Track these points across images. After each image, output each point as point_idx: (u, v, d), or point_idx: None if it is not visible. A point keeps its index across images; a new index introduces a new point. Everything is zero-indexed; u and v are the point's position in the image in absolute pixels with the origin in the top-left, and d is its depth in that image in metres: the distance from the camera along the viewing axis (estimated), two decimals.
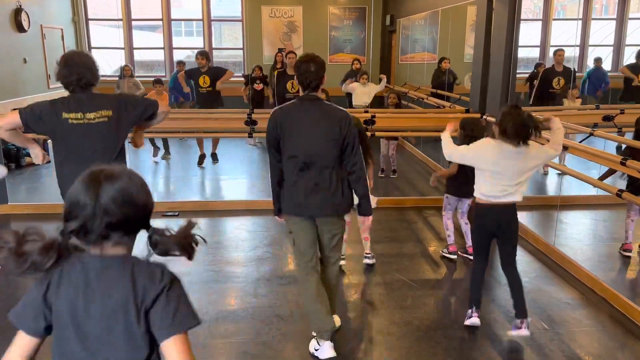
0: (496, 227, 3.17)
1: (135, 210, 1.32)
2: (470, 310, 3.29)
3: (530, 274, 4.17)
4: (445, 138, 3.34)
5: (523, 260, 4.43)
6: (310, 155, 2.84)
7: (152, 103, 3.05)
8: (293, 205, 2.94)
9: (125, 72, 9.31)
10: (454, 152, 3.31)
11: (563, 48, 7.12)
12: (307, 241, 2.97)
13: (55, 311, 1.30)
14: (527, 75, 7.86)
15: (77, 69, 2.83)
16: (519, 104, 3.12)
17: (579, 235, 5.22)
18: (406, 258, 4.45)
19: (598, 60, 7.85)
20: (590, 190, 5.75)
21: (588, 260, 4.35)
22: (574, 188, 6.31)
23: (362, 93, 7.57)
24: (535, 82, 7.32)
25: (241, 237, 4.90)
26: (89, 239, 1.30)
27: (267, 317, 3.44)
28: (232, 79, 7.62)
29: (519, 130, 2.94)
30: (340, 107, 2.95)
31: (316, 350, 3.00)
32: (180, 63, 9.14)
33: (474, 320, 3.27)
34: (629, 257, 4.38)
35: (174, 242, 1.37)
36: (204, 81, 7.28)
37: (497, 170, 3.06)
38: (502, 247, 3.27)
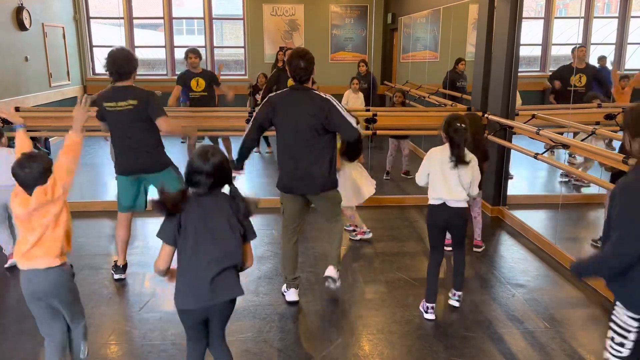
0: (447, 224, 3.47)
1: (226, 174, 2.24)
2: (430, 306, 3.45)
3: (531, 272, 4.17)
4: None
5: (524, 258, 4.43)
6: (298, 134, 3.31)
7: (159, 114, 3.68)
8: (283, 185, 3.46)
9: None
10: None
11: (584, 46, 7.00)
12: (294, 213, 3.54)
13: (184, 229, 2.20)
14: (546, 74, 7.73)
15: (117, 61, 3.69)
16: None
17: (580, 233, 5.22)
18: (407, 256, 4.45)
19: (602, 59, 7.79)
20: (592, 189, 5.75)
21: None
22: (575, 186, 6.31)
23: (353, 101, 7.38)
24: (556, 82, 7.25)
25: None
26: (200, 188, 2.21)
27: (268, 316, 3.45)
28: (232, 77, 7.30)
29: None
30: (324, 94, 3.38)
31: (285, 292, 3.66)
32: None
33: (429, 316, 3.44)
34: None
35: (245, 203, 2.26)
36: (197, 84, 6.47)
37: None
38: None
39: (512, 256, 4.51)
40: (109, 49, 3.82)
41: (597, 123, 5.18)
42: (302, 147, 3.35)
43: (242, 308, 3.52)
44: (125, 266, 4.02)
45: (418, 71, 9.18)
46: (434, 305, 3.44)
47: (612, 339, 2.08)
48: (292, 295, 3.61)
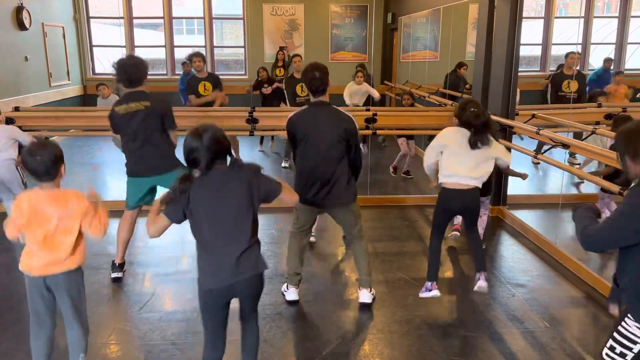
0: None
1: (222, 145, 2.24)
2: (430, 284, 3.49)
3: (531, 272, 4.17)
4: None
5: (524, 258, 4.43)
6: (319, 153, 3.33)
7: (171, 126, 3.86)
8: (305, 199, 3.42)
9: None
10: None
11: (575, 51, 6.99)
12: (308, 220, 3.60)
13: (195, 205, 2.22)
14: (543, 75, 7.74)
15: (127, 69, 3.72)
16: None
17: None
18: (407, 256, 4.45)
19: (608, 61, 7.78)
20: (592, 189, 5.74)
21: (589, 258, 4.35)
22: (575, 186, 6.32)
23: (354, 92, 7.36)
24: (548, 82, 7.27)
25: None
26: (201, 165, 2.21)
27: (268, 315, 3.44)
28: (232, 77, 7.21)
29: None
30: (345, 111, 3.42)
31: (285, 291, 3.66)
32: (186, 64, 8.84)
33: (435, 292, 3.48)
34: None
35: (250, 167, 2.32)
36: (205, 89, 6.45)
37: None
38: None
39: (512, 256, 4.51)
40: (118, 58, 3.83)
41: (597, 123, 5.18)
42: (325, 164, 3.36)
43: None
44: (122, 265, 4.02)
45: (418, 71, 9.18)
46: (435, 282, 3.48)
47: (613, 348, 2.05)
48: (292, 294, 3.62)
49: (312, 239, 4.65)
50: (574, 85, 6.69)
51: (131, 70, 3.73)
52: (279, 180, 2.41)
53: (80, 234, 2.53)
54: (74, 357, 2.61)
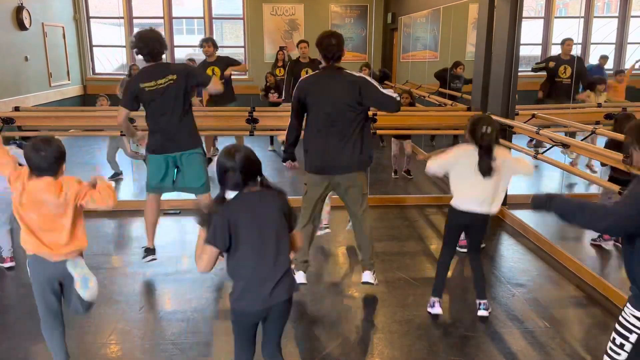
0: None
1: (255, 166, 2.19)
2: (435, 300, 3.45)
3: (531, 272, 4.17)
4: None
5: (524, 258, 4.43)
6: (329, 114, 3.35)
7: (205, 81, 3.95)
8: (312, 165, 3.49)
9: (133, 71, 9.16)
10: (432, 166, 3.27)
11: (572, 38, 7.03)
12: (315, 197, 3.56)
13: (236, 228, 2.13)
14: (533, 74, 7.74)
15: (148, 42, 3.67)
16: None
17: (580, 233, 5.22)
18: (407, 256, 4.45)
19: (603, 58, 7.78)
20: (592, 189, 5.75)
21: (589, 258, 4.35)
22: (575, 186, 6.32)
23: None
24: (550, 63, 7.25)
25: None
26: (234, 187, 2.17)
27: None
28: (233, 76, 7.17)
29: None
30: (356, 73, 3.45)
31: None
32: (191, 60, 8.84)
33: (437, 310, 3.43)
34: (608, 248, 4.51)
35: (279, 190, 2.27)
36: (213, 73, 6.51)
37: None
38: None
39: (512, 256, 4.51)
40: (138, 31, 3.82)
41: (597, 122, 5.18)
42: (334, 126, 3.38)
43: None
44: (154, 249, 4.08)
45: (418, 71, 9.18)
46: (440, 300, 3.44)
47: (613, 339, 2.07)
48: (301, 277, 3.58)
49: (327, 230, 4.73)
50: (569, 70, 6.74)
51: (153, 44, 3.70)
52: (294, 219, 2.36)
53: (79, 220, 2.55)
54: None
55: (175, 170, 3.98)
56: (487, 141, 3.03)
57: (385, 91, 3.43)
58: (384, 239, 4.79)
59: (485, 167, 3.04)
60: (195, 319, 3.39)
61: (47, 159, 2.40)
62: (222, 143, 7.72)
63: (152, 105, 3.77)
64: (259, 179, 2.23)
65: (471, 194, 3.16)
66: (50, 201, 2.44)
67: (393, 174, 6.83)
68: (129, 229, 5.19)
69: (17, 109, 5.75)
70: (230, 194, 2.21)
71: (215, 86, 3.94)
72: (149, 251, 4.08)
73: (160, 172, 3.91)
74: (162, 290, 3.84)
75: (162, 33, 4.09)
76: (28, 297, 3.69)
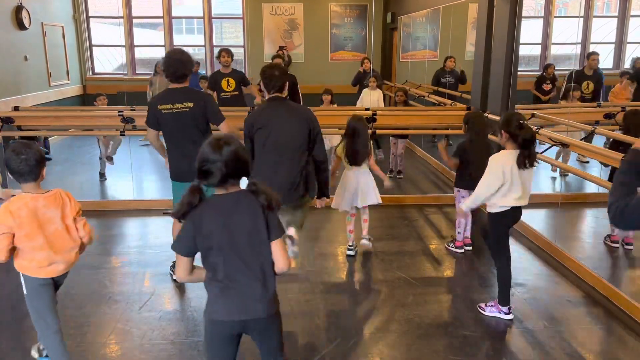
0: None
1: (242, 164, 1.99)
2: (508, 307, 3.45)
3: (531, 271, 4.17)
4: (470, 204, 3.49)
5: (524, 257, 4.43)
6: (279, 147, 3.38)
7: (218, 120, 3.77)
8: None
9: (158, 69, 9.04)
10: (483, 192, 3.34)
11: (597, 52, 6.99)
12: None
13: (204, 233, 1.95)
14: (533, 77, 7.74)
15: (171, 63, 3.65)
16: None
17: (579, 232, 5.23)
18: (407, 256, 4.45)
19: (638, 60, 7.72)
20: (591, 188, 5.75)
21: (589, 257, 4.35)
22: (575, 185, 6.32)
23: (370, 101, 7.14)
24: (545, 86, 7.28)
25: None
26: (212, 179, 1.95)
27: None
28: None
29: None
30: (303, 106, 3.59)
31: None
32: (196, 64, 8.82)
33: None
34: (617, 247, 4.48)
35: (267, 196, 2.00)
36: (228, 84, 6.54)
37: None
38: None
39: (511, 255, 4.50)
40: (169, 50, 3.84)
41: (597, 122, 5.19)
42: (287, 158, 3.42)
43: None
44: None
45: (418, 70, 9.18)
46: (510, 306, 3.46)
47: None
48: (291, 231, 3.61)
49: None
50: (591, 86, 6.70)
51: (176, 65, 3.66)
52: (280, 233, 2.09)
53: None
54: None
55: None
56: (529, 133, 3.15)
57: (322, 141, 3.57)
58: (383, 239, 4.79)
59: (530, 156, 3.19)
60: (195, 319, 3.39)
61: (27, 162, 2.39)
62: None
63: (166, 130, 3.75)
64: (243, 180, 2.03)
65: (520, 190, 3.26)
66: (56, 215, 2.47)
67: (389, 173, 6.81)
68: (129, 228, 5.19)
69: (16, 108, 5.75)
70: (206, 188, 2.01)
71: (226, 128, 3.82)
72: None
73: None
74: (161, 290, 3.84)
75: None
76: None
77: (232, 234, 1.98)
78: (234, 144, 1.98)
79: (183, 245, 2.00)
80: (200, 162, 1.97)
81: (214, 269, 2.01)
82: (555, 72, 7.45)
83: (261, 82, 3.49)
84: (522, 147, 3.17)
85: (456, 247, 4.49)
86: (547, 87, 7.29)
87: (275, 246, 2.04)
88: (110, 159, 6.65)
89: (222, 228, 1.97)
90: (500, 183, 3.22)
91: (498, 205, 3.30)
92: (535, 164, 3.25)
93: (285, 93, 3.51)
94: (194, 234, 1.97)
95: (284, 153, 3.40)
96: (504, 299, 3.43)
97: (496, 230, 3.42)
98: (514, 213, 3.35)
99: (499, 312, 3.43)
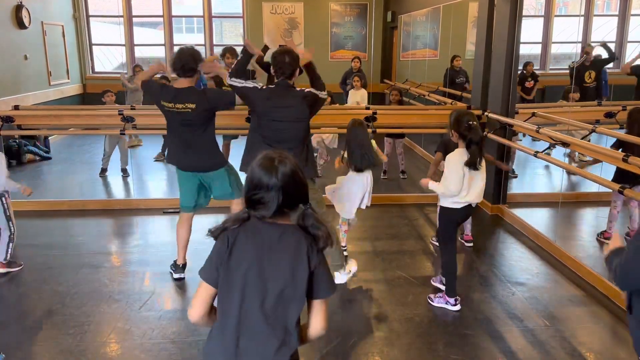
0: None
1: (299, 189, 1.62)
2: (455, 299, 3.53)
3: (531, 270, 4.17)
4: (432, 186, 3.48)
5: (524, 257, 4.43)
6: (279, 132, 3.46)
7: (229, 101, 3.74)
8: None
9: (136, 71, 9.10)
10: (446, 186, 3.37)
11: (590, 45, 7.17)
12: None
13: (231, 260, 1.59)
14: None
15: (182, 57, 3.61)
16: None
17: (580, 232, 5.22)
18: (407, 255, 4.45)
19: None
20: (592, 187, 5.74)
21: (589, 257, 4.35)
22: (575, 185, 6.31)
23: (353, 102, 7.14)
24: (528, 84, 7.33)
25: None
26: (265, 211, 1.59)
27: None
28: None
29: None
30: (301, 90, 3.56)
31: None
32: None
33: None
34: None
35: (323, 231, 1.62)
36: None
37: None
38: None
39: (512, 254, 4.51)
40: (180, 47, 3.80)
41: (597, 121, 5.18)
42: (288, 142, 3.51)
43: None
44: (184, 265, 3.98)
45: (418, 69, 9.18)
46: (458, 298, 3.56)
47: None
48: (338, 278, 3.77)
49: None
50: (593, 75, 6.94)
51: (188, 58, 3.62)
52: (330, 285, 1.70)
53: None
54: None
55: (209, 188, 3.94)
56: (476, 134, 3.22)
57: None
58: (383, 238, 4.79)
59: (478, 156, 3.26)
60: None
61: None
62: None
63: (168, 124, 3.76)
64: (300, 207, 1.65)
65: (469, 188, 3.33)
66: None
67: (382, 174, 6.75)
68: (128, 228, 5.19)
69: (16, 107, 5.74)
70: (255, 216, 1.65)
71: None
72: (179, 268, 3.97)
73: (188, 191, 3.86)
74: (161, 289, 3.84)
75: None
76: (28, 296, 3.70)
77: (262, 275, 1.60)
78: (289, 163, 1.61)
79: (209, 271, 1.64)
80: (252, 189, 1.61)
81: (229, 312, 1.62)
82: (555, 71, 7.49)
83: (272, 66, 3.55)
84: (467, 148, 3.24)
85: (465, 242, 4.60)
86: (529, 84, 7.37)
87: (319, 306, 1.70)
88: (124, 170, 6.81)
89: (251, 263, 1.59)
90: (461, 177, 3.28)
91: (449, 200, 3.40)
92: (479, 167, 3.27)
93: (293, 80, 3.54)
94: (223, 261, 1.61)
95: (284, 142, 3.43)
96: (450, 290, 3.52)
97: (445, 223, 3.54)
98: (465, 210, 3.43)
99: (446, 303, 3.52)
